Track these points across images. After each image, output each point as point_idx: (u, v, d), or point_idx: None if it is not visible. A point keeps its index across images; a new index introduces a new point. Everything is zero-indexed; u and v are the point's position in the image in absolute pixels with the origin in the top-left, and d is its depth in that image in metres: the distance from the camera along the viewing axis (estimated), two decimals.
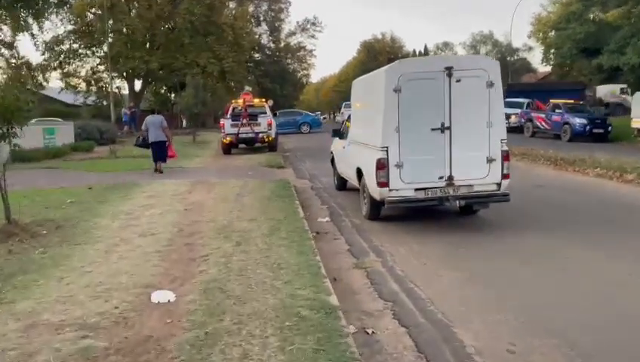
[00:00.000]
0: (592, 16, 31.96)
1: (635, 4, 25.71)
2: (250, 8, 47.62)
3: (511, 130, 17.18)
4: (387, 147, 6.54)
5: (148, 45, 36.91)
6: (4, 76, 30.94)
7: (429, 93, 6.51)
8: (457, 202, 6.66)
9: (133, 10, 36.60)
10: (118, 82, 37.90)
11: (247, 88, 21.90)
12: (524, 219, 7.44)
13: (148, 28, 35.63)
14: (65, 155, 18.42)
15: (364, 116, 7.92)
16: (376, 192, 6.79)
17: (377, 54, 60.33)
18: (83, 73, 36.82)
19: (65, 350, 3.31)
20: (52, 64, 35.09)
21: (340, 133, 9.82)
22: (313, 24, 52.96)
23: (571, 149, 16.11)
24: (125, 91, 39.12)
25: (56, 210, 7.93)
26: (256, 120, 18.87)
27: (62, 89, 36.88)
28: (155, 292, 4.31)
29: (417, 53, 62.60)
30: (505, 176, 6.74)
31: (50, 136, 19.27)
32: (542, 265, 5.39)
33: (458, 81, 6.49)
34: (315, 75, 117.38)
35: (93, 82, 36.81)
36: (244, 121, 18.64)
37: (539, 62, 49.56)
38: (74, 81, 36.74)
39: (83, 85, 37.00)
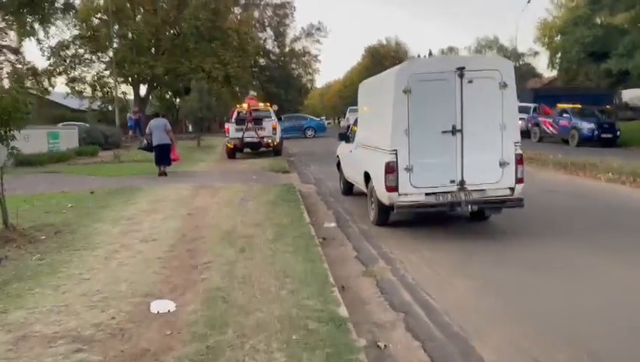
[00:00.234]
0: (599, 20, 31.66)
1: None
2: (255, 13, 47.72)
3: None
4: (396, 150, 6.31)
5: (153, 50, 37.00)
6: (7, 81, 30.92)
7: (440, 95, 6.29)
8: (469, 207, 6.40)
9: (139, 16, 36.72)
10: (123, 87, 37.98)
11: (252, 93, 21.74)
12: (537, 225, 7.19)
13: (153, 33, 35.73)
14: (69, 160, 18.34)
15: (372, 118, 7.71)
16: (385, 197, 6.56)
17: (382, 59, 60.17)
18: (88, 78, 36.92)
19: None
20: (57, 69, 35.13)
21: (347, 137, 9.61)
22: (318, 29, 53.04)
23: (580, 154, 15.83)
24: (130, 96, 39.16)
25: (56, 215, 7.74)
26: (261, 124, 18.71)
27: (67, 94, 36.95)
28: (154, 302, 4.10)
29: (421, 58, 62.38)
30: (519, 181, 6.50)
31: (54, 140, 19.18)
32: (558, 273, 5.14)
33: (470, 81, 6.27)
34: (320, 80, 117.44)
35: (98, 87, 36.85)
36: (249, 125, 18.49)
37: (544, 67, 49.29)
38: (79, 86, 36.81)
39: (88, 90, 37.07)
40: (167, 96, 42.48)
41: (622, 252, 5.78)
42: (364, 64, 65.00)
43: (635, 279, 4.89)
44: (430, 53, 64.06)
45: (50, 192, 10.33)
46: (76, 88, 36.73)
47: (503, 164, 6.43)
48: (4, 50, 33.45)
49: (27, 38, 33.18)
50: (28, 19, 32.50)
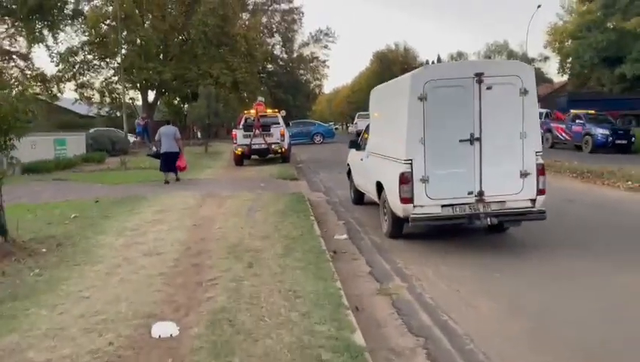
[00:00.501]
0: (610, 24, 31.24)
1: None
2: (264, 19, 47.63)
3: None
4: (411, 160, 6.01)
5: (161, 56, 36.97)
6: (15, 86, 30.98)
7: (457, 102, 5.99)
8: (488, 220, 6.07)
9: (147, 22, 36.73)
10: (131, 93, 38.00)
11: (260, 98, 21.46)
12: (557, 237, 6.85)
13: (161, 39, 35.74)
14: (75, 166, 18.21)
15: (384, 126, 7.42)
16: (399, 209, 6.26)
17: (391, 64, 59.92)
18: (97, 84, 36.99)
19: None
20: (66, 75, 35.23)
21: (357, 145, 9.32)
22: (326, 35, 52.90)
23: (595, 161, 15.45)
24: (139, 102, 39.18)
25: (58, 226, 7.51)
26: (269, 130, 18.48)
27: (76, 100, 37.03)
28: (156, 325, 3.82)
29: (430, 63, 62.06)
30: (540, 192, 6.17)
31: (61, 147, 19.07)
32: (587, 291, 4.82)
33: (489, 88, 5.97)
34: (328, 86, 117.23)
35: (106, 93, 36.90)
36: (257, 131, 18.27)
37: (555, 73, 48.79)
38: (88, 92, 36.89)
39: (97, 96, 37.14)
40: (175, 102, 42.47)
41: None
42: (372, 69, 64.78)
43: None
44: (439, 59, 63.74)
45: (55, 201, 10.13)
46: (85, 94, 36.82)
47: (523, 175, 6.11)
48: (14, 57, 33.63)
49: (36, 45, 33.34)
50: (37, 26, 32.68)
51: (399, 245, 6.69)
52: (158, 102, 41.15)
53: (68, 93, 37.67)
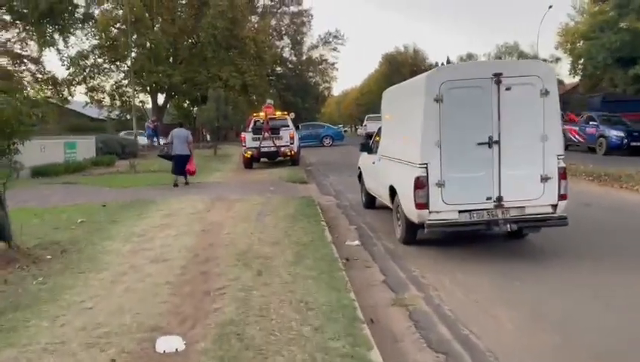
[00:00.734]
0: (624, 25, 30.76)
1: None
2: (273, 22, 47.60)
3: None
4: (427, 163, 5.78)
5: (171, 59, 37.03)
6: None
7: (474, 103, 5.76)
8: (508, 226, 5.82)
9: (157, 25, 36.81)
10: (141, 96, 38.11)
11: (269, 101, 21.31)
12: (577, 242, 6.58)
13: (171, 42, 35.78)
14: (85, 170, 18.17)
15: (398, 129, 7.19)
16: (414, 214, 6.03)
17: (400, 67, 59.65)
18: (107, 87, 37.12)
19: None
20: (77, 78, 35.39)
21: (369, 147, 9.10)
22: (335, 37, 52.75)
23: (610, 163, 15.09)
24: (148, 105, 39.26)
25: (64, 231, 7.37)
26: (279, 133, 18.33)
27: (86, 103, 37.19)
28: (160, 339, 3.63)
29: (440, 65, 61.68)
30: (562, 197, 5.91)
31: (71, 150, 19.04)
32: (612, 299, 4.60)
33: (508, 89, 5.73)
34: (337, 88, 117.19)
35: (117, 96, 37.03)
36: (266, 134, 18.12)
37: (566, 74, 48.16)
38: (98, 95, 37.03)
39: (107, 99, 37.27)
40: (185, 105, 42.52)
41: None
42: (381, 71, 64.55)
43: None
44: (448, 61, 63.34)
45: (63, 205, 10.03)
46: (95, 97, 36.97)
47: (544, 179, 5.85)
48: (25, 60, 33.80)
49: (47, 48, 33.49)
50: (48, 30, 32.85)
51: (413, 251, 6.46)
52: (168, 105, 41.21)
53: (79, 97, 37.89)
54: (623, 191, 11.01)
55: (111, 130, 31.60)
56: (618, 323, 4.09)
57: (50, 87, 33.89)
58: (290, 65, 52.59)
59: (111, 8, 35.74)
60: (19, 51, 33.30)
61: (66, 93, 35.14)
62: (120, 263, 5.74)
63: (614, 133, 20.17)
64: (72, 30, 34.01)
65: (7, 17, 32.41)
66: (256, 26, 41.73)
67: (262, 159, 18.81)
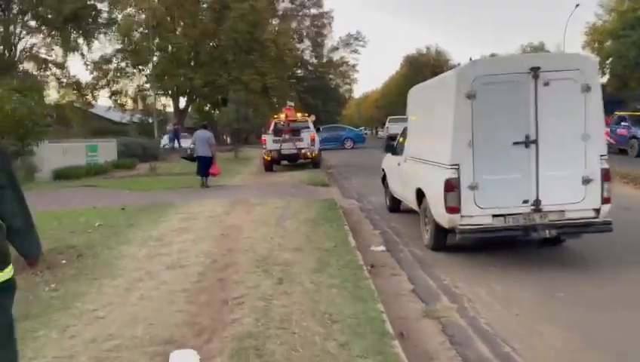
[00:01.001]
0: None
1: None
2: (293, 24, 47.47)
3: None
4: (458, 165, 5.41)
5: (192, 63, 37.21)
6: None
7: (510, 100, 5.37)
8: (546, 232, 5.40)
9: (179, 29, 37.06)
10: (163, 100, 38.41)
11: (290, 103, 21.14)
12: (619, 249, 6.11)
13: (192, 46, 35.99)
14: (106, 173, 18.22)
15: (426, 128, 6.83)
16: (445, 219, 5.66)
17: (422, 68, 58.90)
18: (130, 91, 37.53)
19: None
20: (100, 83, 35.88)
21: (393, 148, 8.75)
22: (356, 39, 52.26)
23: None
24: (170, 108, 39.56)
25: (81, 235, 7.21)
26: (299, 135, 18.10)
27: (109, 107, 37.65)
28: (174, 353, 3.36)
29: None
30: (605, 200, 5.48)
31: (92, 153, 19.14)
32: None
33: (546, 84, 5.32)
34: (357, 90, 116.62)
35: (139, 100, 37.39)
36: (287, 136, 17.90)
37: None
38: (121, 99, 37.48)
39: (130, 103, 37.70)
40: (206, 108, 42.70)
41: None
42: (402, 73, 63.87)
43: None
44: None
45: (82, 208, 9.93)
46: (118, 101, 37.42)
47: (586, 181, 5.43)
48: (50, 65, 34.41)
49: (71, 53, 34.04)
50: (72, 35, 33.38)
51: (442, 258, 6.08)
52: (189, 109, 41.44)
53: (102, 101, 38.40)
54: None
55: (133, 134, 31.83)
56: None
57: (74, 91, 34.44)
58: (310, 68, 52.34)
59: (133, 13, 36.13)
60: (44, 56, 33.93)
61: (89, 97, 35.69)
62: (135, 269, 5.52)
63: None
64: (95, 35, 34.51)
65: (33, 23, 33.03)
66: (277, 28, 41.67)
67: (282, 161, 18.60)
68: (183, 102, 39.33)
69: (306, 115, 20.63)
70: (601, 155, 5.47)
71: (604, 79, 42.95)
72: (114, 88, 36.84)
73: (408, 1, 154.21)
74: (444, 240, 6.23)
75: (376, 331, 3.57)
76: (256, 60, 35.82)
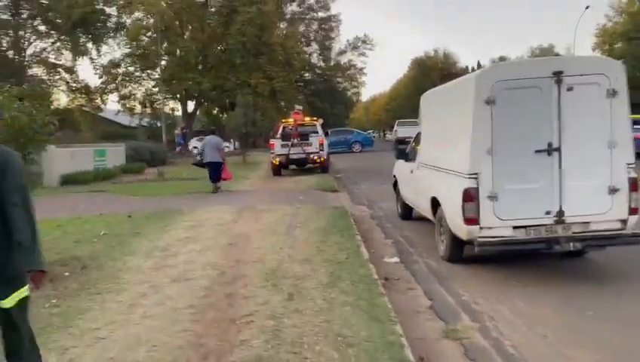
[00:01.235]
0: None
1: None
2: (301, 28, 47.36)
3: None
4: (477, 173, 5.15)
5: (200, 67, 37.19)
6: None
7: (531, 105, 5.11)
8: (570, 245, 5.12)
9: (187, 33, 37.06)
10: (171, 103, 38.43)
11: (298, 107, 20.93)
12: None
13: (200, 50, 35.96)
14: (114, 178, 18.11)
15: (441, 134, 6.57)
16: (462, 230, 5.40)
17: (430, 71, 58.62)
18: (139, 95, 37.55)
19: None
20: (109, 87, 35.95)
21: (406, 154, 8.49)
22: (364, 42, 51.96)
23: None
24: (178, 112, 39.57)
25: (85, 245, 7.03)
26: (308, 139, 17.89)
27: (118, 111, 37.71)
28: None
29: (470, 69, 60.26)
30: (633, 211, 5.19)
31: (100, 158, 19.05)
32: None
33: (570, 89, 5.06)
34: (365, 93, 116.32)
35: (147, 104, 37.41)
36: (295, 140, 17.69)
37: None
38: (130, 103, 37.51)
39: (138, 107, 37.71)
40: (214, 112, 42.66)
41: None
42: (410, 76, 63.67)
43: None
44: (479, 65, 61.91)
45: (88, 215, 9.78)
46: (127, 105, 37.45)
47: (612, 191, 5.15)
48: (60, 70, 34.54)
49: (81, 57, 34.15)
50: (81, 39, 33.51)
51: (460, 271, 5.81)
52: (198, 112, 41.41)
53: (111, 105, 38.49)
54: None
55: (142, 137, 31.84)
56: None
57: (83, 95, 34.54)
58: (318, 71, 52.14)
59: (142, 17, 36.18)
60: (53, 61, 34.06)
61: (98, 101, 35.77)
62: (140, 282, 5.31)
63: None
64: (104, 39, 34.61)
65: (42, 27, 33.18)
66: (284, 32, 41.56)
67: (290, 166, 18.40)
68: (191, 105, 39.33)
69: (314, 118, 20.43)
70: (629, 163, 5.19)
71: None
72: (122, 92, 36.88)
73: (416, 4, 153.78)
74: (460, 252, 5.97)
75: (395, 357, 3.32)
76: (264, 64, 35.72)
